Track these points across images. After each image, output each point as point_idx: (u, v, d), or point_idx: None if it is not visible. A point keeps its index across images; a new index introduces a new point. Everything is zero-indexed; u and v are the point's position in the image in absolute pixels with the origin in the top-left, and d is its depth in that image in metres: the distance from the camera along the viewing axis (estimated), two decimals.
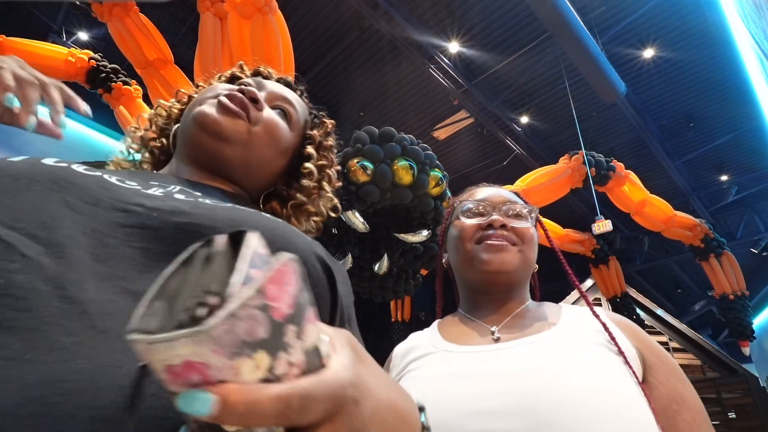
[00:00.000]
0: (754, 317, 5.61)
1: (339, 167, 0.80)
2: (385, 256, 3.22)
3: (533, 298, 0.81)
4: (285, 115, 0.70)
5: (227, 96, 0.61)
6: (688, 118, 6.87)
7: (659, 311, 6.83)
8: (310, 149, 0.72)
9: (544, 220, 5.43)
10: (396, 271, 3.36)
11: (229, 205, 0.49)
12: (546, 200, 4.82)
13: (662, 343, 6.52)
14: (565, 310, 0.72)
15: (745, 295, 5.53)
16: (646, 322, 6.55)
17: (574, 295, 6.74)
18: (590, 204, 6.77)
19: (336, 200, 0.77)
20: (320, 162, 0.73)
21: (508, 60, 6.18)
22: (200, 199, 0.48)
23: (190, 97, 0.73)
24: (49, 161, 0.45)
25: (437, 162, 3.11)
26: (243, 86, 0.64)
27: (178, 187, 0.51)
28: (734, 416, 5.67)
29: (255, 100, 0.63)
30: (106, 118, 5.91)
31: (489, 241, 0.72)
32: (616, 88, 5.31)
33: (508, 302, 0.74)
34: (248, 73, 0.75)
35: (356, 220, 2.96)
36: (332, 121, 0.81)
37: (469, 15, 5.80)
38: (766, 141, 7.10)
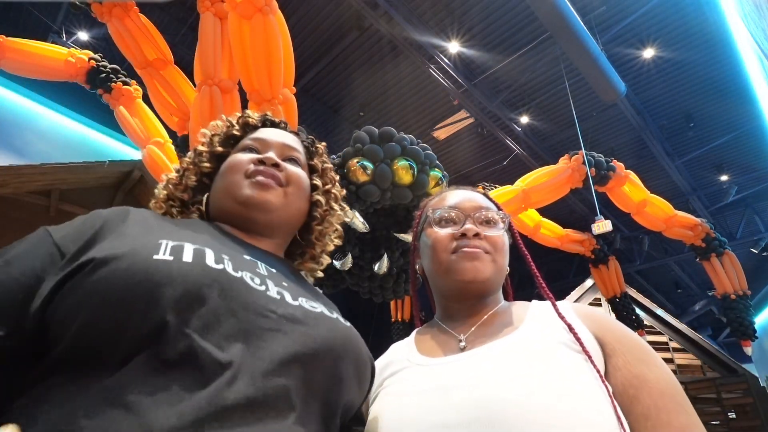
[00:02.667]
0: (754, 317, 5.59)
1: (339, 177, 0.89)
2: (385, 256, 3.22)
3: (506, 299, 0.82)
4: (295, 161, 0.78)
5: (260, 173, 0.71)
6: (688, 118, 6.87)
7: (659, 311, 6.83)
8: (316, 180, 0.81)
9: (544, 220, 5.46)
10: (396, 271, 3.36)
11: (319, 311, 0.61)
12: (546, 200, 4.81)
13: (662, 343, 6.52)
14: (532, 309, 0.72)
15: (747, 295, 5.53)
16: (645, 322, 6.55)
17: (574, 295, 6.74)
18: (590, 204, 6.77)
19: (346, 207, 0.89)
20: (326, 187, 0.83)
21: (508, 60, 6.18)
22: (303, 300, 0.61)
23: (194, 167, 0.78)
24: (211, 262, 0.54)
25: (437, 162, 3.11)
26: (262, 156, 0.74)
27: (263, 266, 0.63)
28: (734, 416, 5.67)
29: (277, 165, 0.73)
30: (106, 118, 5.93)
31: (463, 251, 0.73)
32: (616, 88, 5.30)
33: (480, 308, 0.75)
34: (237, 127, 0.81)
35: (356, 220, 2.96)
36: (323, 143, 0.89)
37: (469, 15, 5.80)
38: (766, 141, 7.10)
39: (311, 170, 0.82)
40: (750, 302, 5.55)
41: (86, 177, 4.78)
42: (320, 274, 0.86)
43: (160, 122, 4.12)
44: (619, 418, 0.54)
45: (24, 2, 5.24)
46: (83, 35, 5.97)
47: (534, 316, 0.70)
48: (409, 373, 0.68)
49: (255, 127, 0.82)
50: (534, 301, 0.77)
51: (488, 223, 0.77)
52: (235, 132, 0.80)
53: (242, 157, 0.74)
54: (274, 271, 0.65)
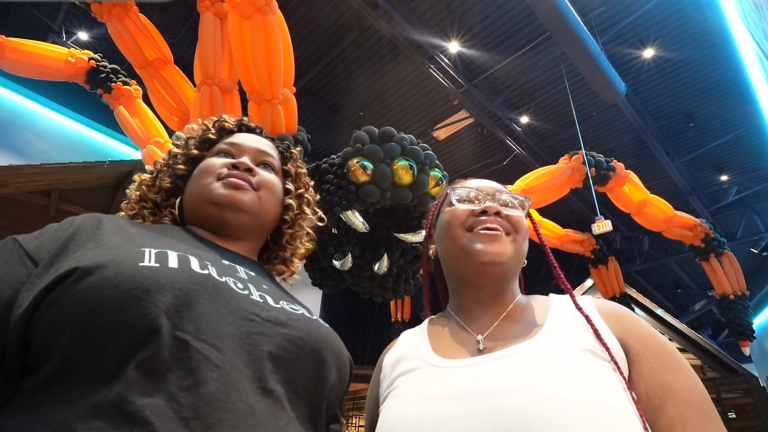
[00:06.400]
0: (754, 317, 5.59)
1: (312, 181, 0.91)
2: (385, 256, 3.22)
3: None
4: (269, 166, 0.80)
5: (232, 174, 0.72)
6: (688, 118, 6.87)
7: (659, 311, 6.83)
8: (288, 185, 0.82)
9: (544, 220, 5.45)
10: (396, 271, 3.36)
11: (300, 313, 0.63)
12: (546, 200, 4.81)
13: None
14: (553, 306, 0.69)
15: (746, 295, 5.52)
16: None
17: (577, 292, 6.73)
18: (590, 204, 6.77)
19: (320, 212, 0.91)
20: (299, 191, 0.84)
21: (508, 60, 6.18)
22: (284, 303, 0.62)
23: (168, 169, 0.78)
24: (196, 267, 0.55)
25: (437, 162, 3.11)
26: (235, 161, 0.75)
27: (242, 270, 0.64)
28: (734, 416, 5.67)
29: (250, 170, 0.74)
30: (106, 118, 5.93)
31: (483, 229, 0.69)
32: (616, 88, 5.31)
33: (498, 300, 0.71)
34: (213, 131, 0.82)
35: (356, 220, 2.96)
36: (298, 148, 0.91)
37: (469, 15, 5.80)
38: (766, 141, 7.10)
39: (285, 175, 0.84)
40: (748, 303, 5.55)
41: (86, 177, 4.78)
42: (295, 278, 0.87)
43: (160, 122, 4.12)
44: (646, 429, 0.52)
45: (24, 2, 5.23)
46: (83, 35, 5.97)
47: (556, 317, 0.66)
48: (424, 375, 0.65)
49: (231, 132, 0.83)
50: (553, 296, 0.73)
51: (509, 205, 0.74)
52: (211, 136, 0.81)
53: (216, 161, 0.75)
54: (252, 274, 0.66)
